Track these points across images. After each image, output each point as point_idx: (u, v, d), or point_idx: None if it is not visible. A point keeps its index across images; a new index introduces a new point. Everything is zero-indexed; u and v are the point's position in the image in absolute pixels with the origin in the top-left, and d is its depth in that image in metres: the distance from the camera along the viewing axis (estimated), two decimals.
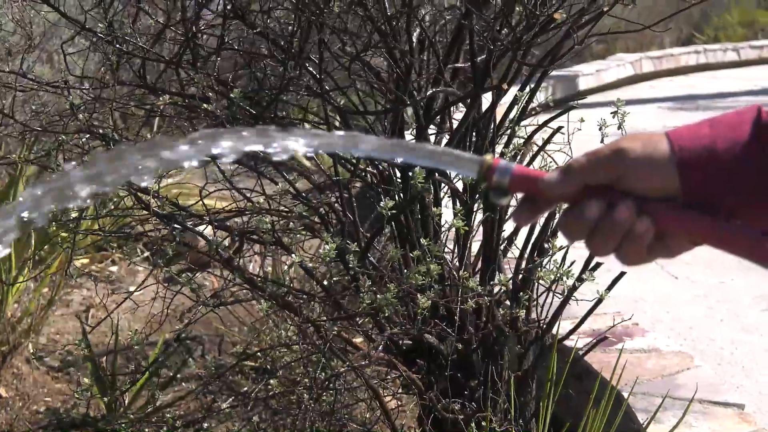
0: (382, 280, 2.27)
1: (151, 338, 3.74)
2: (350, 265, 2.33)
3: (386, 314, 2.12)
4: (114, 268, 5.05)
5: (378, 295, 2.01)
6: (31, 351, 4.11)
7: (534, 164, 2.92)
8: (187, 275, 2.36)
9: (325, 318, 2.27)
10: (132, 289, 4.69)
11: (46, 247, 4.44)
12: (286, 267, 3.21)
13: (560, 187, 1.05)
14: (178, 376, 3.79)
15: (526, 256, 2.73)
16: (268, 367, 3.05)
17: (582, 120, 2.94)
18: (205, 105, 2.12)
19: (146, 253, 4.51)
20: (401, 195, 2.55)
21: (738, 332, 3.93)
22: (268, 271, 3.65)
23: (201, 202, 2.57)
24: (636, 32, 2.56)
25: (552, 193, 1.05)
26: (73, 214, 2.55)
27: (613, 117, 2.48)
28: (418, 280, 2.06)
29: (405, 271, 2.21)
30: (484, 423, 2.59)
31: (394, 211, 2.10)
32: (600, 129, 2.51)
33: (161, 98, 2.06)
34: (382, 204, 2.06)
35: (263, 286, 2.22)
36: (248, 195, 2.65)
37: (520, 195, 1.10)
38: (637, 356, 3.27)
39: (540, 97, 3.17)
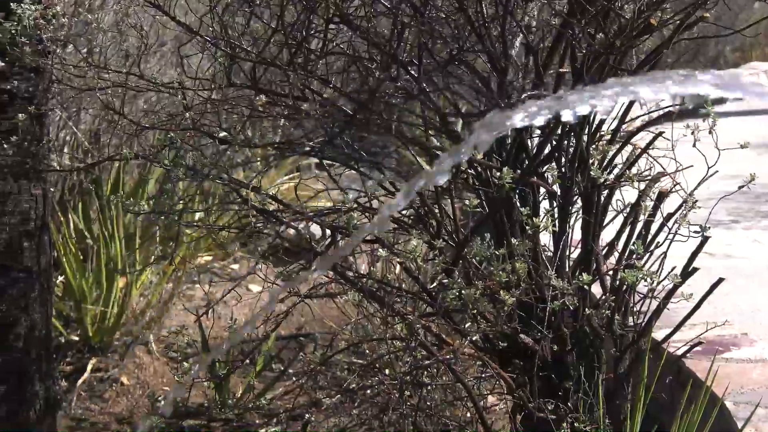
0: (473, 276, 2.31)
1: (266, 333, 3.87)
2: (443, 263, 2.39)
3: (474, 310, 2.16)
4: (235, 266, 5.22)
5: (463, 291, 2.06)
6: (153, 342, 4.29)
7: (637, 167, 2.92)
8: (285, 270, 2.45)
9: (415, 313, 2.33)
10: (251, 287, 4.86)
11: (171, 243, 4.63)
12: (393, 267, 3.29)
13: None
14: (290, 370, 3.91)
15: (624, 260, 2.73)
16: (370, 363, 3.13)
17: (687, 126, 2.91)
18: (304, 105, 2.21)
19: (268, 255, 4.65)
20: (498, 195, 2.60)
21: None
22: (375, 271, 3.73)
23: (296, 197, 2.67)
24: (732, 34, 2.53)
25: None
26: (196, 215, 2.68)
27: (703, 121, 2.46)
28: (502, 278, 2.10)
29: (491, 269, 2.25)
30: (576, 424, 2.60)
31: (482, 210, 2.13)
32: (692, 133, 2.49)
33: (258, 98, 2.15)
34: (467, 202, 2.10)
35: (354, 280, 2.29)
36: (351, 194, 2.74)
37: None
38: (742, 366, 3.22)
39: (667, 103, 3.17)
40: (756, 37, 4.51)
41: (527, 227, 2.31)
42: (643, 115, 3.11)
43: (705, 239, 2.64)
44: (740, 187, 2.63)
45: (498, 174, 2.60)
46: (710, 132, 2.51)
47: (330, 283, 2.57)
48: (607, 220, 2.93)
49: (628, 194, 2.90)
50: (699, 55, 8.89)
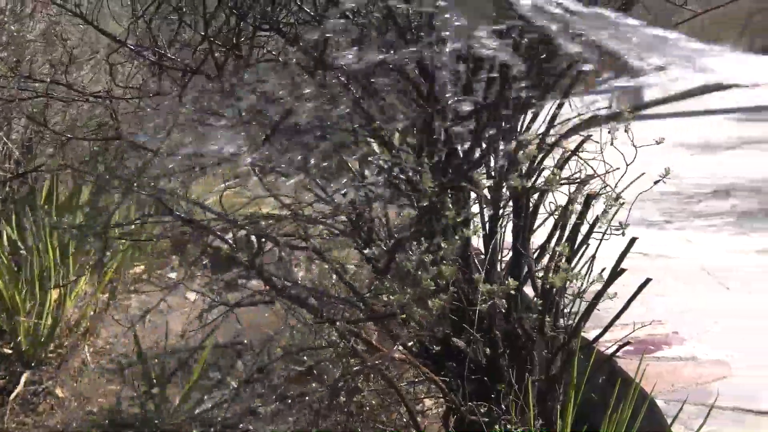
0: (403, 282, 2.32)
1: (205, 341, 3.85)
2: (376, 268, 2.40)
3: (403, 316, 2.17)
4: (173, 275, 5.18)
5: (390, 297, 2.07)
6: (88, 353, 4.24)
7: (569, 169, 2.95)
8: (219, 278, 2.44)
9: (346, 319, 2.33)
10: (189, 295, 4.83)
11: (107, 253, 4.59)
12: (330, 274, 3.29)
13: None
14: (227, 378, 3.89)
15: (554, 263, 2.76)
16: (306, 370, 3.13)
17: (625, 130, 2.95)
18: (224, 114, 2.21)
19: (205, 261, 4.63)
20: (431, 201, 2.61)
21: None
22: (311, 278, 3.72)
23: (237, 202, 2.65)
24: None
25: None
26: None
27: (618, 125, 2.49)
28: (429, 284, 2.11)
29: (419, 274, 2.27)
30: (509, 426, 2.63)
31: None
32: (609, 133, 2.53)
33: (183, 108, 2.15)
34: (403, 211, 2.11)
35: (283, 287, 2.29)
36: (289, 202, 2.73)
37: None
38: (674, 364, 3.27)
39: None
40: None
41: (460, 229, 2.32)
42: (574, 117, 3.16)
43: (632, 241, 2.68)
44: (656, 182, 2.66)
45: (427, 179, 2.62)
46: (626, 131, 2.54)
47: (261, 291, 2.57)
48: (540, 222, 2.96)
49: (563, 196, 2.94)
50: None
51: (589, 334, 2.98)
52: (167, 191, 2.57)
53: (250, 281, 4.22)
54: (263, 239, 2.40)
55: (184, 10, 2.46)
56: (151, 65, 2.39)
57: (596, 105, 3.14)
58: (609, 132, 2.59)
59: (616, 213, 2.63)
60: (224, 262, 3.42)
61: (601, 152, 2.91)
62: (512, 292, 2.33)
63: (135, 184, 2.29)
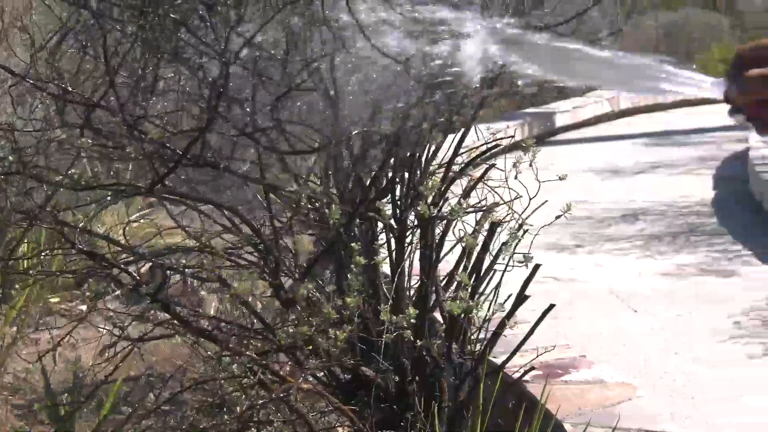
0: (309, 313, 2.33)
1: (116, 373, 3.80)
2: (283, 299, 2.40)
3: (309, 347, 2.18)
4: (84, 307, 5.11)
5: (291, 329, 2.08)
6: None
7: (473, 197, 3.00)
8: (127, 310, 2.42)
9: (252, 350, 2.33)
10: (101, 326, 4.75)
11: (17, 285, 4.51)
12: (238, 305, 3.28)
13: None
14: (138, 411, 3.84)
15: (460, 290, 2.79)
16: (219, 402, 3.11)
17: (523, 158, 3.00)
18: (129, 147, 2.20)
19: (116, 291, 4.57)
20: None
21: (691, 364, 3.98)
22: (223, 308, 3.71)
23: (148, 233, 2.64)
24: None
25: None
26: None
27: (525, 154, 2.55)
28: (332, 315, 2.13)
29: (325, 304, 2.28)
30: None
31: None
32: (514, 166, 2.58)
33: (81, 140, 2.14)
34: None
35: (188, 320, 2.29)
36: (197, 233, 2.73)
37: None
38: (581, 387, 3.33)
39: (517, 134, 3.28)
40: None
41: (360, 261, 2.35)
42: (481, 145, 3.21)
43: (536, 268, 2.73)
44: (557, 217, 2.72)
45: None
46: (530, 164, 2.59)
47: (167, 321, 2.55)
48: (448, 249, 3.00)
49: (473, 222, 2.97)
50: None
51: (500, 359, 3.02)
52: (72, 224, 2.55)
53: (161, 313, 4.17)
54: (168, 271, 2.39)
55: (86, 44, 2.44)
56: (53, 98, 2.37)
57: (506, 131, 3.21)
58: (514, 164, 2.64)
59: (518, 242, 2.67)
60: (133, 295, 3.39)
61: (506, 180, 2.96)
62: (413, 320, 2.35)
63: (38, 218, 2.27)
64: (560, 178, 2.65)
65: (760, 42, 1.21)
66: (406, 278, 2.82)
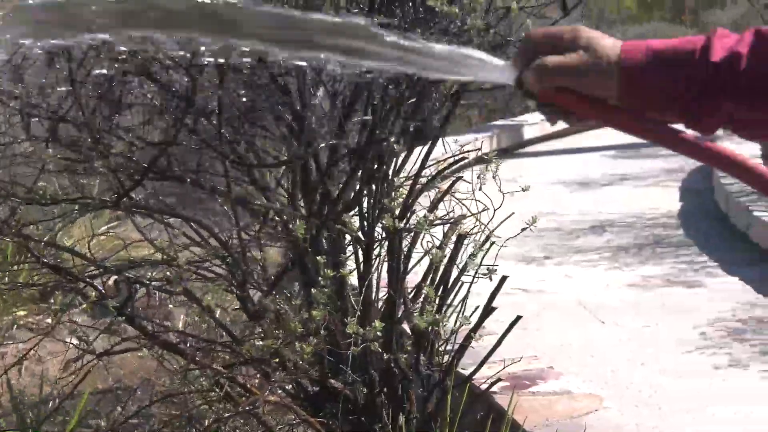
0: (277, 325, 2.34)
1: (83, 387, 3.78)
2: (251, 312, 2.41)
3: (276, 359, 2.18)
4: (50, 320, 5.07)
5: (258, 342, 2.08)
6: None
7: (440, 209, 3.01)
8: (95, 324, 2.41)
9: (219, 363, 2.33)
10: (68, 339, 4.73)
11: None
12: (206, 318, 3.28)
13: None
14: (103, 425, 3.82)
15: (428, 302, 2.80)
16: (188, 415, 3.10)
17: (487, 170, 3.01)
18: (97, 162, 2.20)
19: (83, 304, 4.54)
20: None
21: (658, 375, 4.01)
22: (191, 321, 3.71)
23: (117, 245, 2.63)
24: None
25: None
26: None
27: (489, 167, 2.56)
28: (297, 328, 2.14)
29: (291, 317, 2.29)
30: None
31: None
32: (479, 179, 2.59)
33: (47, 154, 2.13)
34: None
35: (155, 333, 2.28)
36: (164, 245, 2.72)
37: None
38: (549, 399, 3.35)
39: (485, 146, 3.29)
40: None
41: (327, 274, 2.35)
42: (449, 157, 3.22)
43: (503, 279, 2.74)
44: (522, 230, 2.74)
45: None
46: (494, 177, 2.60)
47: (135, 336, 2.54)
48: (417, 261, 3.01)
49: (440, 233, 2.98)
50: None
51: (468, 370, 3.03)
52: (37, 238, 2.54)
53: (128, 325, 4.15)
54: (135, 284, 2.39)
55: (53, 57, 2.44)
56: (18, 112, 2.36)
57: (474, 144, 3.21)
58: (478, 177, 2.65)
59: (485, 254, 2.69)
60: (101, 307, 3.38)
61: (473, 193, 2.97)
62: (380, 333, 2.36)
63: (2, 232, 2.26)
64: (523, 190, 2.66)
65: (550, 29, 1.23)
66: (375, 290, 2.83)
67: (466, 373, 3.02)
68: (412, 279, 3.04)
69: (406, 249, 2.78)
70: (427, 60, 1.17)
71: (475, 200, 2.93)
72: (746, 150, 5.24)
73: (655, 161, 7.99)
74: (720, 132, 1.28)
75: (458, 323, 2.73)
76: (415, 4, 2.54)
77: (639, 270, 5.40)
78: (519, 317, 2.81)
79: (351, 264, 2.87)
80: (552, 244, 5.94)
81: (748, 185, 1.22)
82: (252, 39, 1.09)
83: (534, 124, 8.79)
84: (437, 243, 2.87)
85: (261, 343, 2.13)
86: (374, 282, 2.81)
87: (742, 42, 1.19)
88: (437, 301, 2.80)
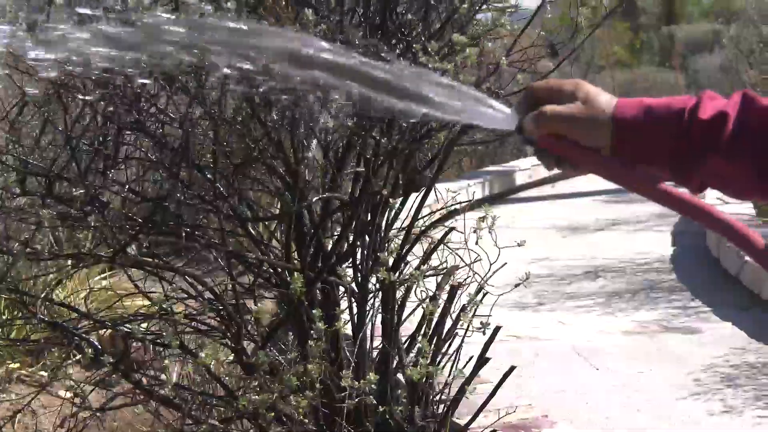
0: (272, 378, 2.34)
1: None
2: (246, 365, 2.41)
3: (272, 413, 2.19)
4: (44, 373, 5.05)
5: (254, 395, 2.09)
6: None
7: (434, 259, 3.02)
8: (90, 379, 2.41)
9: (215, 417, 2.33)
10: (62, 392, 4.71)
11: None
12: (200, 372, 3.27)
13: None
14: None
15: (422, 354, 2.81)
16: None
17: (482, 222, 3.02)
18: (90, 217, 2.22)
19: (77, 356, 4.53)
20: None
21: (652, 420, 4.02)
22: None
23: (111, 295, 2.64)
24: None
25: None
26: None
27: (482, 221, 2.58)
28: (293, 382, 2.14)
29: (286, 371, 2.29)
30: None
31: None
32: (475, 232, 2.61)
33: (43, 212, 2.15)
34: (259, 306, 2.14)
35: (149, 388, 2.29)
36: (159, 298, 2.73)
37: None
38: None
39: (478, 191, 3.31)
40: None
41: (321, 327, 2.36)
42: (441, 208, 3.24)
43: (497, 329, 2.75)
44: (516, 285, 2.75)
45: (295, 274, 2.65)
46: (489, 230, 2.62)
47: (130, 391, 2.54)
48: (411, 311, 3.01)
49: (434, 283, 2.99)
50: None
51: (464, 420, 3.03)
52: (32, 293, 2.55)
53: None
54: (130, 339, 2.40)
55: (48, 115, 2.46)
56: (13, 170, 2.38)
57: (467, 190, 3.23)
58: (474, 231, 2.67)
59: (477, 307, 2.70)
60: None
61: (465, 243, 2.99)
62: (374, 386, 2.37)
63: None
64: (518, 245, 2.68)
65: (550, 82, 1.31)
66: (369, 340, 2.84)
67: (462, 422, 3.03)
68: (407, 327, 3.05)
69: (400, 299, 2.79)
70: (452, 102, 1.24)
71: (468, 250, 2.94)
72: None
73: (646, 206, 8.03)
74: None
75: (452, 375, 2.73)
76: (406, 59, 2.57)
77: (633, 315, 5.42)
78: (513, 368, 2.82)
79: (345, 315, 2.88)
80: (545, 291, 5.96)
81: (733, 244, 1.25)
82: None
83: (525, 169, 8.84)
84: (431, 293, 2.89)
85: (257, 397, 2.13)
86: (368, 334, 2.82)
87: (730, 103, 1.24)
88: (431, 353, 2.81)
